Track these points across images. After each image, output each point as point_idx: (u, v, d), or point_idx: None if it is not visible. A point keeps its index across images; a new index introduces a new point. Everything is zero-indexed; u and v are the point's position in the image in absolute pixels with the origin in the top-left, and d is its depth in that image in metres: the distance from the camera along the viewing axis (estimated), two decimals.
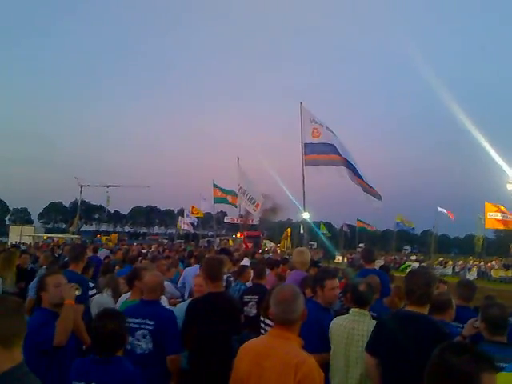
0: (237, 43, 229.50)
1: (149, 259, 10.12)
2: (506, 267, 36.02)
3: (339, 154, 12.86)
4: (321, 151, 13.51)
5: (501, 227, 30.33)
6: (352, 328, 3.81)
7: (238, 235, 45.08)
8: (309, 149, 13.77)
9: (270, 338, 2.75)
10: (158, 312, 4.04)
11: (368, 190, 12.79)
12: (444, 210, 43.98)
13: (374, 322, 3.73)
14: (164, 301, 5.05)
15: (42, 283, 3.80)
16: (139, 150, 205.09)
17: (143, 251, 15.41)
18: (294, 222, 56.76)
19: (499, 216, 28.26)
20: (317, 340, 3.80)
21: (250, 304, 6.12)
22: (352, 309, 4.02)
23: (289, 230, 46.40)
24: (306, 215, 13.90)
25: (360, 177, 12.65)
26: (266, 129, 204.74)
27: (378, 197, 12.74)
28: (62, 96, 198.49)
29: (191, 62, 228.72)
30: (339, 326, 3.92)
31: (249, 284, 6.89)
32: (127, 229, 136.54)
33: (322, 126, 13.58)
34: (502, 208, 27.99)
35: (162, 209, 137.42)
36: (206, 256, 6.99)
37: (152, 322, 3.92)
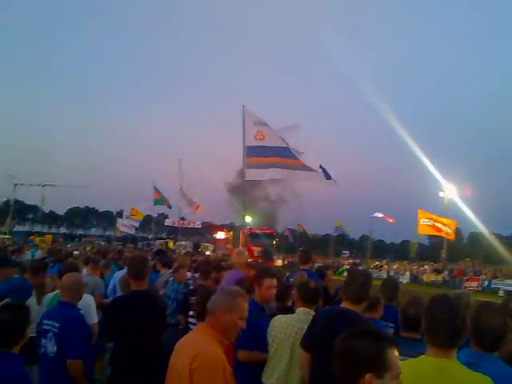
0: (182, 43, 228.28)
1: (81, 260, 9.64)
2: (437, 272, 37.61)
3: (288, 157, 12.83)
4: (264, 154, 13.43)
5: (433, 233, 31.78)
6: (301, 328, 3.72)
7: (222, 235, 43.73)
8: (251, 151, 13.68)
9: (192, 333, 2.84)
10: (64, 314, 3.84)
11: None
12: (380, 215, 45.74)
13: None
14: (91, 299, 4.87)
15: None
16: (77, 150, 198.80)
17: (75, 252, 14.73)
18: (236, 225, 56.69)
19: (431, 223, 29.57)
20: (245, 336, 3.65)
21: None
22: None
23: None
24: (247, 219, 13.82)
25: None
26: (209, 131, 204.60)
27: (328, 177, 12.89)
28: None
29: (132, 63, 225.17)
30: (284, 323, 3.88)
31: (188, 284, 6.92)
32: (63, 230, 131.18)
33: (267, 128, 13.42)
34: (433, 216, 29.36)
35: (101, 210, 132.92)
36: (130, 255, 6.76)
37: (58, 325, 3.75)
